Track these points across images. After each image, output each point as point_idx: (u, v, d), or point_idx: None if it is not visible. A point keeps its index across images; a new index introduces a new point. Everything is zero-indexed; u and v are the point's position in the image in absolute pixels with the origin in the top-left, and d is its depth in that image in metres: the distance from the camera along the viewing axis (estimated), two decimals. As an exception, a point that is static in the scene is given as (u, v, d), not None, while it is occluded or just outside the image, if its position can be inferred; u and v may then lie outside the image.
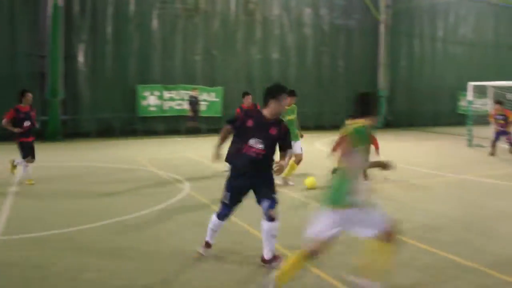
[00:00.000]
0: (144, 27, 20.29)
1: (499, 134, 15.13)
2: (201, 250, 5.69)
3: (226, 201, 5.53)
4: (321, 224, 4.41)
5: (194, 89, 20.55)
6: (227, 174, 5.59)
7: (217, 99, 21.64)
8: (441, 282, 5.04)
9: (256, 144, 5.30)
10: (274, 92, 5.46)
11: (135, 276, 5.12)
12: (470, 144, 17.87)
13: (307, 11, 23.97)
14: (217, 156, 5.55)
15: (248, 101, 12.42)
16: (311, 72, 24.15)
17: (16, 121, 9.80)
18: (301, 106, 23.54)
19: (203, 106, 20.99)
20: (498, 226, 7.14)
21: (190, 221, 7.18)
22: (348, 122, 4.64)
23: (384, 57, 26.46)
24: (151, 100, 20.25)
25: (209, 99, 21.45)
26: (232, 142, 5.62)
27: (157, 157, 14.14)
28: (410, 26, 27.91)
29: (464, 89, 20.19)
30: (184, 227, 6.93)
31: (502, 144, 15.05)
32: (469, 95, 18.69)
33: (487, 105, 21.77)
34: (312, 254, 4.47)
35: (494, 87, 20.42)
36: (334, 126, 24.37)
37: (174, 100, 20.75)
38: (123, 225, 7.01)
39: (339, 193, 4.38)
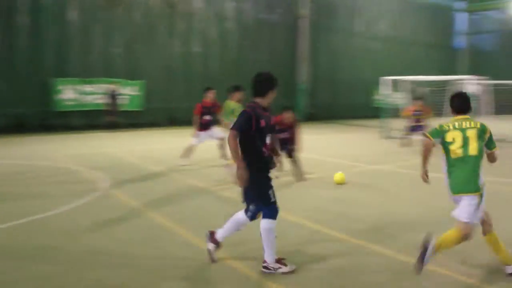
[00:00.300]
0: (62, 17, 19.54)
1: (414, 129, 15.71)
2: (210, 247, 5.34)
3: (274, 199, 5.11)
4: (471, 209, 4.96)
5: (114, 82, 20.08)
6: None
7: (138, 93, 21.27)
8: (360, 271, 5.29)
9: (267, 140, 5.13)
10: (275, 82, 5.27)
11: (45, 276, 4.99)
12: (384, 136, 18.71)
13: (230, 5, 24.00)
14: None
15: (211, 96, 12.37)
16: (233, 66, 24.21)
17: None
18: (223, 100, 23.72)
19: (124, 100, 20.55)
20: (410, 212, 7.55)
21: (106, 219, 7.03)
22: None
23: (305, 52, 27.01)
24: (69, 94, 19.57)
25: (130, 93, 21.02)
26: (252, 144, 5.03)
27: (76, 153, 13.73)
28: (330, 21, 28.67)
29: (379, 83, 21.04)
30: (101, 225, 6.78)
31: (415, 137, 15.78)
32: (384, 89, 19.50)
33: (401, 99, 22.80)
34: (466, 238, 4.92)
35: (408, 81, 21.39)
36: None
37: (94, 94, 20.17)
38: (37, 225, 6.77)
39: (479, 180, 5.10)
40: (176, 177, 10.28)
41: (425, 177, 5.75)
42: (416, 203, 8.31)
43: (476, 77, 17.97)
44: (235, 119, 5.10)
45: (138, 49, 21.30)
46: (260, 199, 5.08)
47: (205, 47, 23.18)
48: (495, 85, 20.19)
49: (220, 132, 11.81)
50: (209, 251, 5.28)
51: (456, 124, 5.31)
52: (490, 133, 5.38)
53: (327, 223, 6.93)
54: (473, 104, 16.44)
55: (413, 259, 5.09)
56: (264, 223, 5.02)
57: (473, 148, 5.18)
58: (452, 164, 5.30)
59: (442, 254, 5.10)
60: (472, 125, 5.31)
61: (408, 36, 33.70)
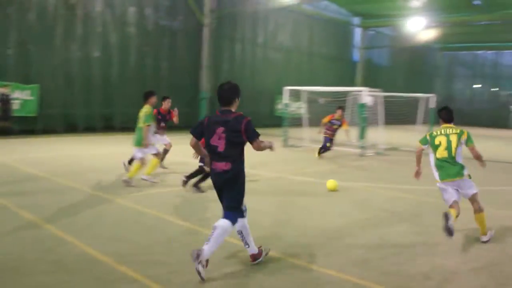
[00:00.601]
0: None
1: (329, 140, 15.85)
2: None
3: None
4: (472, 183, 6.92)
5: (5, 85, 18.86)
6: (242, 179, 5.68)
7: (32, 98, 20.10)
8: (257, 275, 5.35)
9: None
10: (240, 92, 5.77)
11: None
12: (285, 144, 19.18)
13: (131, 10, 23.46)
14: None
15: (168, 105, 13.02)
16: (134, 72, 23.70)
17: None
18: (124, 106, 23.26)
19: (15, 105, 19.36)
20: (307, 222, 7.78)
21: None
22: None
23: (207, 60, 27.04)
24: (-47, 97, 18.14)
25: (22, 97, 19.82)
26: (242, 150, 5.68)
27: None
28: (233, 31, 28.95)
29: (281, 92, 21.52)
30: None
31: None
32: (285, 98, 20.00)
33: (301, 108, 23.52)
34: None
35: (307, 92, 22.10)
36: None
37: (-17, 97, 18.81)
38: None
39: (464, 168, 6.85)
40: (72, 185, 9.86)
41: (417, 175, 7.41)
42: (313, 211, 8.57)
43: (370, 89, 18.92)
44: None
45: (32, 51, 20.14)
46: (240, 198, 5.67)
47: (105, 52, 22.42)
48: (386, 97, 21.41)
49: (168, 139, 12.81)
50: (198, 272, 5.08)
51: (443, 130, 7.02)
52: (468, 134, 6.97)
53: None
54: (368, 114, 17.36)
55: (308, 264, 5.24)
56: (240, 221, 5.58)
57: (454, 148, 6.86)
58: (440, 161, 6.97)
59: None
60: (454, 131, 6.97)
61: (309, 48, 34.90)
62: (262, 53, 31.02)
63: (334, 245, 6.49)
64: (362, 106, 17.43)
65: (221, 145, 5.51)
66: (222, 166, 5.51)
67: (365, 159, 16.46)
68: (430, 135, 7.13)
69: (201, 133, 5.68)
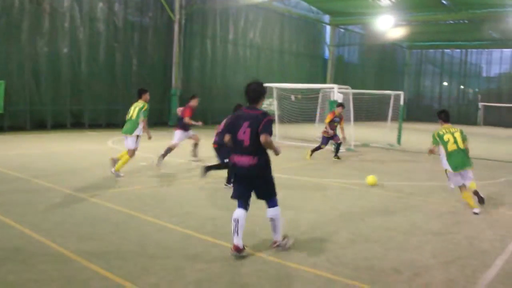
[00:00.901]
0: None
1: (328, 139, 15.15)
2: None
3: None
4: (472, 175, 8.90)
5: None
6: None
7: (-3, 94, 19.62)
8: (230, 272, 5.33)
9: None
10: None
11: None
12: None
13: (100, 5, 23.07)
14: None
15: (196, 103, 13.48)
16: (104, 68, 23.36)
17: None
18: (93, 103, 22.95)
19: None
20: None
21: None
22: None
23: (178, 56, 26.85)
24: None
25: (-14, 94, 19.30)
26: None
27: None
28: (203, 28, 28.79)
29: (252, 90, 21.48)
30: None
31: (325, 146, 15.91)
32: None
33: (272, 105, 23.53)
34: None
35: (279, 88, 22.14)
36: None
37: None
38: None
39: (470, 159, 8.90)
40: (42, 184, 9.66)
41: (430, 152, 9.21)
42: (285, 207, 8.60)
43: (340, 86, 19.07)
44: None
45: (-3, 47, 19.66)
46: (273, 187, 6.17)
47: (73, 48, 22.01)
48: (356, 94, 21.63)
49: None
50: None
51: (446, 130, 8.89)
52: (463, 132, 8.97)
53: (198, 228, 6.94)
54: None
55: (281, 260, 5.24)
56: (275, 209, 6.09)
57: (460, 142, 8.77)
58: (450, 154, 8.71)
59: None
60: (455, 129, 8.92)
61: (280, 45, 35.01)
62: (232, 50, 30.95)
63: (307, 241, 6.52)
64: (333, 102, 17.55)
65: (246, 139, 5.82)
66: (249, 160, 5.86)
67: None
68: (438, 135, 8.86)
69: (232, 130, 5.99)
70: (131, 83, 24.64)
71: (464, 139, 8.83)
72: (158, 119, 26.21)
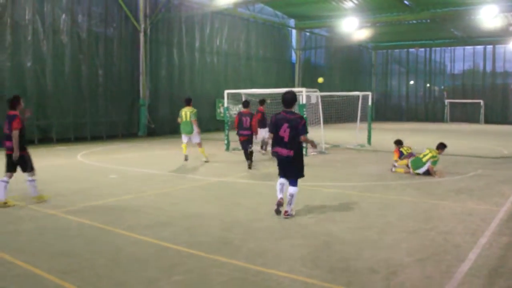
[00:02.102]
0: None
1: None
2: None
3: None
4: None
5: None
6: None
7: (-40, 111, 19.10)
8: (207, 282, 5.28)
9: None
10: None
11: None
12: (227, 148, 19.12)
13: (63, 17, 22.68)
14: None
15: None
16: (70, 81, 22.96)
17: None
18: (61, 117, 22.57)
19: None
20: (254, 224, 7.77)
21: None
22: None
23: (144, 66, 26.64)
24: None
25: (-50, 111, 18.77)
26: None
27: None
28: (169, 36, 28.60)
29: (221, 96, 21.45)
30: None
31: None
32: (225, 102, 19.94)
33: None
34: None
35: (247, 94, 22.13)
36: (95, 137, 23.76)
37: None
38: None
39: None
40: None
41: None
42: (258, 213, 8.58)
43: (308, 89, 19.18)
44: None
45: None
46: (300, 172, 8.32)
47: (37, 62, 21.55)
48: (324, 96, 21.79)
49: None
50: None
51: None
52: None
53: (172, 239, 6.86)
54: (308, 114, 17.55)
55: (257, 267, 5.22)
56: (295, 188, 8.20)
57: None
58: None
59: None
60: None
61: (247, 51, 35.03)
62: (200, 57, 30.84)
63: (283, 246, 6.51)
64: (302, 106, 17.63)
65: (286, 136, 8.00)
66: (286, 152, 8.07)
67: (308, 158, 16.64)
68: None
69: (274, 129, 8.16)
70: (97, 95, 24.32)
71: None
72: (126, 131, 25.93)
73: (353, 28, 35.29)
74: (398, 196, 10.11)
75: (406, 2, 32.39)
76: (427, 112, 51.44)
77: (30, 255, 6.11)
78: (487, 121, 46.26)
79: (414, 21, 38.01)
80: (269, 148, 15.15)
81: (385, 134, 27.55)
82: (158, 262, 5.87)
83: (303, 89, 17.96)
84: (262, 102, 17.56)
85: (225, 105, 19.93)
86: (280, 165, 8.34)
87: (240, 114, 14.88)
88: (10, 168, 9.25)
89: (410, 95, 53.70)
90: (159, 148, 20.40)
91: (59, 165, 14.91)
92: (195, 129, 14.93)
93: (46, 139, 21.68)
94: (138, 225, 7.56)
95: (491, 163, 15.65)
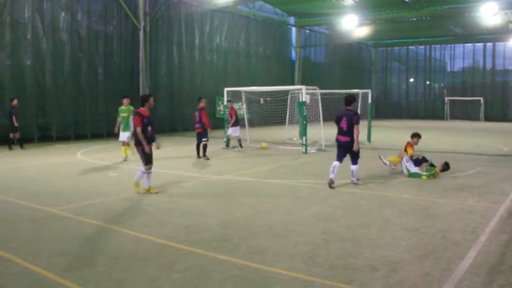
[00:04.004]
0: None
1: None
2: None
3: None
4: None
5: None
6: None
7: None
8: (206, 280, 5.28)
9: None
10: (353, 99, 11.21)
11: None
12: (227, 145, 19.14)
13: (63, 15, 22.66)
14: None
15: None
16: (69, 79, 22.96)
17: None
18: (60, 115, 22.55)
19: None
20: (253, 222, 7.77)
21: None
22: None
23: (144, 64, 26.61)
24: None
25: None
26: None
27: None
28: (169, 34, 28.58)
29: (221, 94, 21.43)
30: None
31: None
32: (225, 100, 19.93)
33: (241, 109, 23.53)
34: None
35: (247, 92, 22.14)
36: (95, 135, 23.75)
37: None
38: None
39: None
40: (9, 200, 9.43)
41: None
42: (258, 211, 8.57)
43: (308, 86, 19.17)
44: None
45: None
46: (357, 154, 10.76)
47: (37, 60, 21.55)
48: (323, 93, 21.76)
49: None
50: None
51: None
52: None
53: (172, 237, 6.86)
54: (308, 112, 17.60)
55: (257, 265, 5.21)
56: (355, 166, 10.90)
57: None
58: None
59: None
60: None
61: (246, 49, 35.00)
62: (199, 55, 30.81)
63: (282, 244, 6.50)
64: (302, 104, 17.63)
65: (345, 127, 10.57)
66: (346, 139, 10.62)
67: (307, 156, 16.65)
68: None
69: (337, 121, 10.80)
70: (97, 93, 24.31)
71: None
72: (127, 128, 25.87)
73: (353, 25, 35.20)
74: (398, 193, 10.10)
75: (406, -1, 32.35)
76: (427, 109, 51.41)
77: (30, 253, 6.11)
78: (487, 119, 46.24)
79: (414, 19, 37.93)
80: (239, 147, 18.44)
81: (385, 132, 27.54)
82: (157, 260, 5.86)
83: (303, 87, 17.97)
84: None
85: (225, 102, 19.91)
86: (340, 149, 10.81)
87: (195, 110, 15.96)
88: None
89: (410, 93, 53.68)
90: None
91: (58, 163, 14.90)
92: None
93: (45, 137, 21.68)
94: (137, 223, 7.55)
95: (491, 161, 15.65)
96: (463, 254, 6.07)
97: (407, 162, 12.42)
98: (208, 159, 15.53)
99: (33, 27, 21.36)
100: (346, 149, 10.62)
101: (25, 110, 21.02)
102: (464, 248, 6.30)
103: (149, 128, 9.90)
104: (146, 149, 9.66)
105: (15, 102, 18.54)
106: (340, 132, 10.68)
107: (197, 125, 15.75)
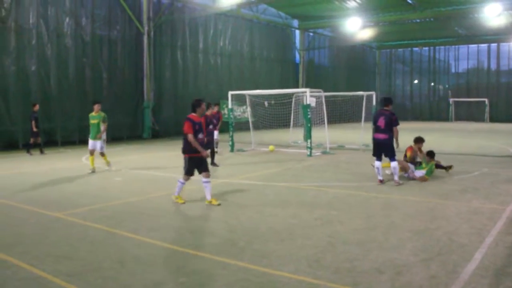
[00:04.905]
0: None
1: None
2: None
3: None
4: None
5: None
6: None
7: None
8: (212, 284, 5.27)
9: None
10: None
11: None
12: (232, 149, 19.12)
13: (67, 20, 22.75)
14: None
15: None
16: (74, 84, 23.03)
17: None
18: (65, 120, 22.60)
19: None
20: (258, 225, 7.76)
21: None
22: None
23: (148, 68, 26.68)
24: None
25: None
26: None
27: None
28: (173, 38, 28.66)
29: (225, 97, 21.44)
30: None
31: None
32: (230, 103, 19.95)
33: (246, 112, 23.53)
34: None
35: (251, 95, 22.14)
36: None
37: None
38: None
39: None
40: (15, 205, 9.45)
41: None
42: (264, 214, 8.57)
43: (312, 89, 19.15)
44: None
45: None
46: (393, 151, 11.34)
47: (41, 66, 21.63)
48: (329, 96, 21.73)
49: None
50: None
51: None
52: None
53: (177, 241, 6.86)
54: (312, 114, 17.59)
55: (262, 268, 5.20)
56: (394, 163, 11.26)
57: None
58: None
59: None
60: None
61: (250, 52, 35.06)
62: (203, 59, 30.88)
63: (287, 247, 6.49)
64: (306, 107, 17.62)
65: (382, 125, 11.23)
66: (383, 136, 11.25)
67: (312, 159, 16.63)
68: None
69: (374, 120, 11.49)
70: (102, 97, 24.34)
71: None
72: (131, 133, 25.98)
73: (356, 27, 35.25)
74: (403, 196, 10.07)
75: (409, 1, 32.30)
76: (431, 111, 51.34)
77: (35, 258, 6.12)
78: (492, 120, 46.09)
79: (418, 20, 37.93)
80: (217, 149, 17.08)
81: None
82: (163, 264, 5.87)
83: (307, 90, 17.96)
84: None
85: (229, 106, 19.92)
86: (377, 147, 11.43)
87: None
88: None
89: (414, 94, 53.59)
90: (163, 150, 20.44)
91: (64, 168, 14.94)
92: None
93: (50, 142, 21.73)
94: (143, 228, 7.56)
95: (497, 162, 15.59)
96: (469, 256, 6.04)
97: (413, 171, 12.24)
98: (217, 165, 14.80)
99: (37, 32, 21.46)
100: (383, 146, 11.30)
101: (29, 116, 21.06)
102: (470, 251, 6.27)
103: (200, 135, 9.28)
104: (204, 154, 9.12)
105: (36, 107, 18.66)
106: (378, 130, 11.28)
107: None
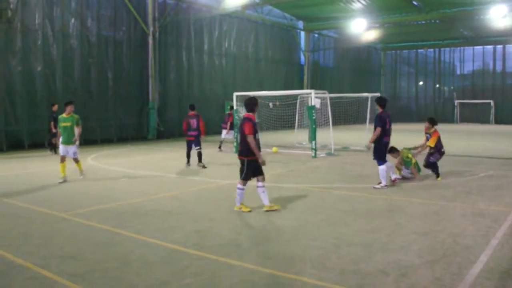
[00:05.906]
0: None
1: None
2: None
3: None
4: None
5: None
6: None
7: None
8: (217, 285, 5.28)
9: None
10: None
11: None
12: (236, 150, 19.09)
13: (72, 21, 22.84)
14: None
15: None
16: (79, 85, 23.12)
17: None
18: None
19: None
20: (263, 227, 7.76)
21: None
22: None
23: (153, 69, 26.73)
24: None
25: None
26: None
27: None
28: (178, 39, 28.72)
29: (230, 98, 21.45)
30: None
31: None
32: (234, 104, 19.96)
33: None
34: None
35: (256, 96, 22.09)
36: (105, 140, 23.87)
37: None
38: None
39: None
40: (18, 205, 9.49)
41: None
42: (268, 216, 8.56)
43: (317, 91, 19.14)
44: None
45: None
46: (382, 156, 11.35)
47: (47, 66, 21.72)
48: (334, 98, 21.71)
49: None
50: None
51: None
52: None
53: (182, 242, 6.87)
54: (317, 116, 17.58)
55: (267, 270, 5.20)
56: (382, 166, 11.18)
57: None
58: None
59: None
60: None
61: (255, 53, 35.09)
62: (208, 60, 30.92)
63: (292, 248, 6.50)
64: (311, 108, 17.62)
65: (389, 127, 11.28)
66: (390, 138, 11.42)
67: (317, 161, 16.62)
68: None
69: (384, 124, 11.15)
70: (107, 98, 24.45)
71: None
72: (136, 134, 26.03)
73: (361, 29, 35.21)
74: (408, 197, 10.06)
75: (414, 2, 32.26)
76: (436, 112, 51.18)
77: (41, 258, 6.14)
78: (497, 122, 45.96)
79: (423, 22, 37.88)
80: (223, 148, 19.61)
81: (394, 136, 27.38)
82: (168, 265, 5.87)
83: (312, 91, 17.96)
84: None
85: (234, 107, 19.93)
86: (385, 149, 11.38)
87: (187, 117, 15.10)
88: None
89: (420, 96, 53.51)
90: (168, 150, 20.47)
91: (69, 168, 14.97)
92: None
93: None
94: (148, 228, 7.58)
95: (502, 164, 15.54)
96: (475, 258, 6.02)
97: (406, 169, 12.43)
98: (205, 167, 14.83)
99: (43, 33, 21.55)
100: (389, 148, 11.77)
101: (36, 116, 21.19)
102: (476, 253, 6.25)
103: (257, 136, 8.82)
104: (261, 159, 8.62)
105: (55, 107, 18.63)
106: (387, 132, 11.26)
107: (193, 133, 14.92)
